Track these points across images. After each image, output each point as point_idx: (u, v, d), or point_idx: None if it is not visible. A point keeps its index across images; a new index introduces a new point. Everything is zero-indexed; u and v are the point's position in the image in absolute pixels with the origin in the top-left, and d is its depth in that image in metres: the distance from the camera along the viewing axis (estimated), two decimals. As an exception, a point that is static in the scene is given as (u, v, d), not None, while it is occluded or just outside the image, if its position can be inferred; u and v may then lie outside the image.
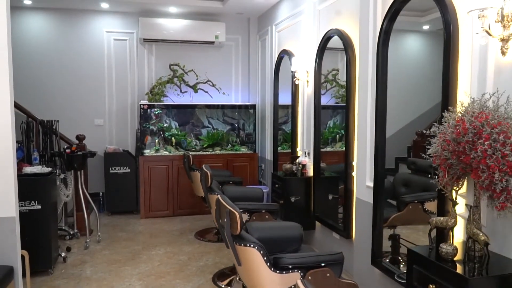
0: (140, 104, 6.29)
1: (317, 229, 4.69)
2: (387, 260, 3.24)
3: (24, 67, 6.10)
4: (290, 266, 2.38)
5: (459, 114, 2.14)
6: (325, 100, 4.58)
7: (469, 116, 2.05)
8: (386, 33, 3.09)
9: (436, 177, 2.26)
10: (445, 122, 2.19)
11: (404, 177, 3.44)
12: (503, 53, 2.13)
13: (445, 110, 2.26)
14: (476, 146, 1.98)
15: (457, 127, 2.08)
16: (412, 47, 3.35)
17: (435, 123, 2.24)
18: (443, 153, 2.19)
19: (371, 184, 3.31)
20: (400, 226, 3.32)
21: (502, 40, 2.12)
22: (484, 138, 1.94)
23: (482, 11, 2.09)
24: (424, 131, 2.30)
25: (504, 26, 2.11)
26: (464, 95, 2.34)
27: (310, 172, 4.70)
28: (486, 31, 2.11)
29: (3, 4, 2.92)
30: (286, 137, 5.68)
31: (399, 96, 3.30)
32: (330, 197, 4.50)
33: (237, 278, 3.76)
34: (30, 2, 6.02)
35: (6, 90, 2.92)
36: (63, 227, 5.05)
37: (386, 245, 3.28)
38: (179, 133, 6.55)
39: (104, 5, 6.20)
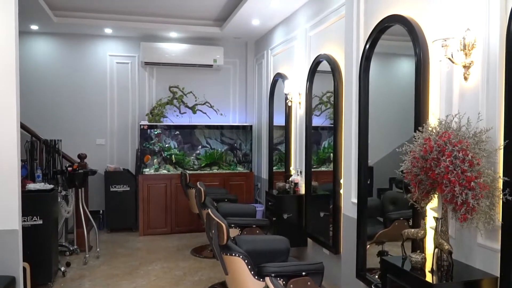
0: (140, 125, 6.52)
1: (309, 246, 4.83)
2: (376, 276, 3.38)
3: (30, 89, 6.33)
4: (273, 275, 2.54)
5: (426, 134, 2.34)
6: (321, 121, 4.76)
7: (435, 136, 2.25)
8: (367, 59, 3.31)
9: (409, 193, 2.45)
10: (415, 141, 2.39)
11: (392, 195, 3.58)
12: (465, 78, 2.35)
13: (417, 130, 2.46)
14: (440, 162, 2.17)
15: (425, 145, 2.28)
16: (409, 70, 3.45)
17: (406, 142, 2.44)
18: (413, 170, 2.38)
19: (356, 201, 3.48)
20: (390, 244, 3.46)
21: (464, 67, 2.34)
22: (446, 155, 2.13)
23: (445, 40, 2.31)
24: (397, 149, 2.49)
25: (466, 54, 2.33)
26: (432, 117, 2.55)
27: (302, 190, 4.87)
28: (449, 59, 2.33)
29: (12, 32, 3.15)
30: (281, 157, 5.86)
31: (394, 117, 3.43)
32: (322, 214, 4.65)
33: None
34: (37, 28, 6.31)
35: (13, 112, 3.14)
36: (64, 243, 5.20)
37: (375, 261, 3.41)
38: (178, 152, 6.75)
39: (108, 30, 6.50)
